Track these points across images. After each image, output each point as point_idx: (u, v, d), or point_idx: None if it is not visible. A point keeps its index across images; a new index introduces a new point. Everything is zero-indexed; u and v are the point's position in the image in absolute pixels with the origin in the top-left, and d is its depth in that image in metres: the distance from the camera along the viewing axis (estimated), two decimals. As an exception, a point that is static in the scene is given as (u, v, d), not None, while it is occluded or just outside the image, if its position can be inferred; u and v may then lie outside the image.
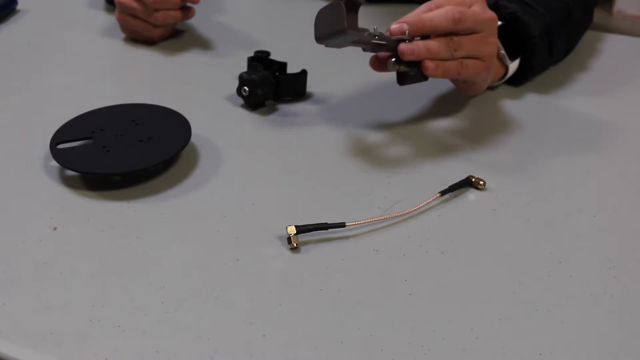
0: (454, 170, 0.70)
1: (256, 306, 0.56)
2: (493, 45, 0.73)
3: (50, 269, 0.60)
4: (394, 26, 0.69)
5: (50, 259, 0.61)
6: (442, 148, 0.74)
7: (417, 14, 0.70)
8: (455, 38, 0.70)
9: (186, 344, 0.53)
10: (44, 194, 0.68)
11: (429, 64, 0.70)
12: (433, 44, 0.69)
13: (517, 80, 0.83)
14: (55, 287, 0.58)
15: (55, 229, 0.64)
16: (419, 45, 0.69)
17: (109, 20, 1.00)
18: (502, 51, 0.78)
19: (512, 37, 0.79)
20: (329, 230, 0.63)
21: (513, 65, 0.80)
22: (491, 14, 0.72)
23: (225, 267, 0.60)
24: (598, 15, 0.91)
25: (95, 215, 0.65)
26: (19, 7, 1.04)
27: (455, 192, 0.68)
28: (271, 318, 0.55)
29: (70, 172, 0.70)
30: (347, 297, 0.57)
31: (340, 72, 0.88)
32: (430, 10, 0.70)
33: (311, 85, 0.84)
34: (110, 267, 0.60)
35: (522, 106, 0.81)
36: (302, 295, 0.57)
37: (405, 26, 0.69)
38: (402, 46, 0.69)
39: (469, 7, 0.71)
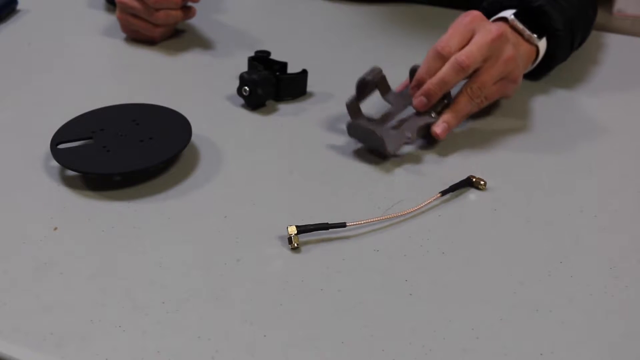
0: (454, 170, 0.70)
1: (257, 306, 0.56)
2: (513, 59, 0.73)
3: (50, 269, 0.60)
4: (417, 102, 0.72)
5: (50, 259, 0.61)
6: (443, 148, 0.74)
7: (429, 82, 0.71)
8: (473, 85, 0.72)
9: (187, 344, 0.53)
10: (45, 194, 0.68)
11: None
12: (460, 108, 0.72)
13: (538, 73, 0.84)
14: (55, 287, 0.58)
15: (55, 229, 0.64)
16: (449, 121, 0.72)
17: (110, 20, 1.00)
18: (528, 32, 0.78)
19: (534, 22, 0.79)
20: (330, 230, 0.63)
21: (542, 44, 0.80)
22: (494, 33, 0.71)
23: (225, 267, 0.60)
24: (598, 15, 0.91)
25: (96, 216, 0.65)
26: (19, 7, 1.04)
27: (455, 192, 0.68)
28: (272, 318, 0.55)
29: (70, 172, 0.70)
30: (347, 297, 0.57)
31: (340, 72, 0.88)
32: (434, 58, 0.71)
33: (311, 85, 0.84)
34: (110, 267, 0.60)
35: (522, 106, 0.81)
36: (303, 296, 0.57)
37: (425, 100, 0.71)
38: (438, 131, 0.71)
39: (469, 39, 0.71)
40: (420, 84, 0.72)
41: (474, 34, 0.72)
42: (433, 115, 0.72)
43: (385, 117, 0.74)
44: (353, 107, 0.73)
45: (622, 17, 1.10)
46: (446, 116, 0.73)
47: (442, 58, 0.71)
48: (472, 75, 0.72)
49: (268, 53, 0.82)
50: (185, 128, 0.73)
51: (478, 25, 0.72)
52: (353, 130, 0.72)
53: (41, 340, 0.53)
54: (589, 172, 0.72)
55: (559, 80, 0.85)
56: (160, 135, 0.72)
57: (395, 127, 0.73)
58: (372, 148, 0.71)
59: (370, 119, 0.73)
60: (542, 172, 0.71)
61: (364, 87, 0.73)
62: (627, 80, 0.87)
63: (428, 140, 0.74)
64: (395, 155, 0.71)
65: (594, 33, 0.93)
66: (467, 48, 0.71)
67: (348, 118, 0.73)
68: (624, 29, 1.05)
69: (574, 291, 0.58)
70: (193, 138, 0.73)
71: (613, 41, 0.96)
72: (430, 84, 0.71)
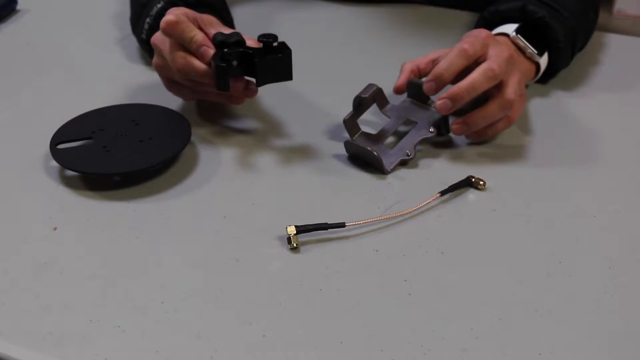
0: (453, 170, 0.70)
1: (256, 306, 0.56)
2: (521, 80, 0.73)
3: (50, 269, 0.60)
4: (441, 104, 0.69)
5: (50, 259, 0.61)
6: (442, 148, 0.74)
7: (459, 86, 0.69)
8: (504, 97, 0.70)
9: (186, 344, 0.53)
10: (44, 194, 0.68)
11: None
12: (489, 115, 0.71)
13: (543, 80, 0.84)
14: (55, 287, 0.58)
15: (55, 229, 0.64)
16: (472, 121, 0.71)
17: (109, 19, 1.00)
18: (530, 50, 0.78)
19: (535, 35, 0.79)
20: (329, 230, 0.63)
21: (543, 60, 0.80)
22: (507, 52, 0.71)
23: (225, 267, 0.60)
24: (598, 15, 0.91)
25: (95, 216, 0.65)
26: (18, 7, 1.04)
27: (455, 192, 0.68)
28: (271, 318, 0.55)
29: (70, 172, 0.70)
30: (346, 297, 0.57)
31: (340, 73, 0.88)
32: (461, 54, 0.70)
33: (311, 85, 0.84)
34: (110, 267, 0.60)
35: (522, 106, 0.81)
36: (302, 295, 0.57)
37: (450, 103, 0.69)
38: (443, 107, 0.70)
39: (485, 53, 0.71)
40: (438, 79, 0.70)
41: (488, 49, 0.71)
42: (431, 130, 0.72)
43: (383, 132, 0.74)
44: (350, 123, 0.73)
45: (622, 17, 1.10)
46: (470, 118, 0.71)
47: (466, 57, 0.70)
48: (497, 90, 0.71)
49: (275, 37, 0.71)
50: (185, 128, 0.73)
51: (491, 42, 0.72)
52: (350, 149, 0.72)
53: (40, 340, 0.53)
54: (589, 172, 0.72)
55: (559, 81, 0.85)
56: (160, 136, 0.72)
57: (392, 144, 0.74)
58: (370, 165, 0.71)
59: (368, 135, 0.73)
60: (541, 172, 0.71)
61: (361, 104, 0.73)
62: (628, 81, 0.87)
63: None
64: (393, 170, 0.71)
65: (594, 33, 0.93)
66: (494, 58, 0.69)
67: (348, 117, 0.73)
68: (624, 29, 1.04)
69: (573, 291, 0.58)
70: (192, 138, 0.73)
71: (613, 41, 0.96)
72: (458, 87, 0.69)
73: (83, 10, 1.05)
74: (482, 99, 0.71)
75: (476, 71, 0.69)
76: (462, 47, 0.70)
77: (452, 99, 0.69)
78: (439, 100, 0.70)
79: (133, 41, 0.94)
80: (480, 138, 0.74)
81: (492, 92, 0.71)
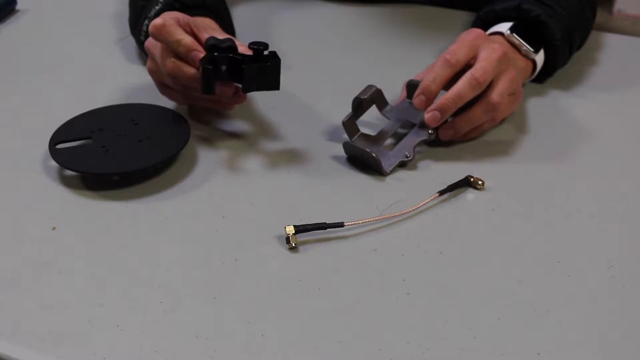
0: (452, 170, 0.70)
1: (255, 306, 0.56)
2: (515, 78, 0.73)
3: (49, 269, 0.60)
4: (430, 116, 0.70)
5: (49, 258, 0.61)
6: (441, 148, 0.74)
7: (445, 97, 0.70)
8: (488, 101, 0.71)
9: (185, 344, 0.53)
10: (43, 193, 0.68)
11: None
12: (474, 118, 0.72)
13: (540, 79, 0.84)
14: (54, 287, 0.58)
15: (54, 228, 0.64)
16: (458, 126, 0.72)
17: (108, 19, 1.00)
18: (525, 47, 0.78)
19: (530, 32, 0.79)
20: (328, 230, 0.63)
21: (539, 57, 0.80)
22: (499, 51, 0.71)
23: (224, 267, 0.60)
24: (598, 15, 0.92)
25: (94, 215, 0.66)
26: (18, 7, 1.04)
27: (453, 192, 0.68)
28: (270, 318, 0.55)
29: (69, 172, 0.70)
30: (345, 297, 0.57)
31: (339, 73, 0.88)
32: (448, 63, 0.70)
33: (311, 87, 0.84)
34: (109, 267, 0.60)
35: (521, 106, 0.81)
36: (301, 295, 0.57)
37: (439, 115, 0.70)
38: (433, 122, 0.71)
39: (476, 56, 0.71)
40: (426, 92, 0.70)
41: (479, 51, 0.71)
42: (431, 132, 0.72)
43: (382, 134, 0.74)
44: (350, 125, 0.73)
45: (622, 17, 1.10)
46: (456, 123, 0.72)
47: (450, 67, 0.70)
48: (484, 92, 0.71)
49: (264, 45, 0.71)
50: (184, 128, 0.73)
51: (482, 42, 0.72)
52: (349, 150, 0.72)
53: (40, 340, 0.53)
54: (587, 172, 0.72)
55: (559, 81, 0.85)
56: (159, 135, 0.72)
57: (391, 145, 0.73)
58: (369, 166, 0.71)
59: (367, 137, 0.73)
60: (540, 171, 0.71)
61: (360, 106, 0.73)
62: (627, 81, 0.87)
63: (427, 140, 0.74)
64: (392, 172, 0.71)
65: (593, 33, 0.93)
66: (480, 64, 0.70)
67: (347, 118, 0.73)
68: (624, 29, 1.05)
69: (571, 291, 0.58)
70: (191, 138, 0.73)
71: (613, 41, 0.96)
72: (445, 99, 0.69)
73: (82, 10, 1.05)
74: (471, 100, 0.72)
75: (461, 80, 0.70)
76: (444, 58, 0.71)
77: (440, 110, 0.70)
78: (427, 113, 0.70)
79: (132, 41, 0.94)
80: (466, 139, 0.75)
81: (480, 93, 0.71)
